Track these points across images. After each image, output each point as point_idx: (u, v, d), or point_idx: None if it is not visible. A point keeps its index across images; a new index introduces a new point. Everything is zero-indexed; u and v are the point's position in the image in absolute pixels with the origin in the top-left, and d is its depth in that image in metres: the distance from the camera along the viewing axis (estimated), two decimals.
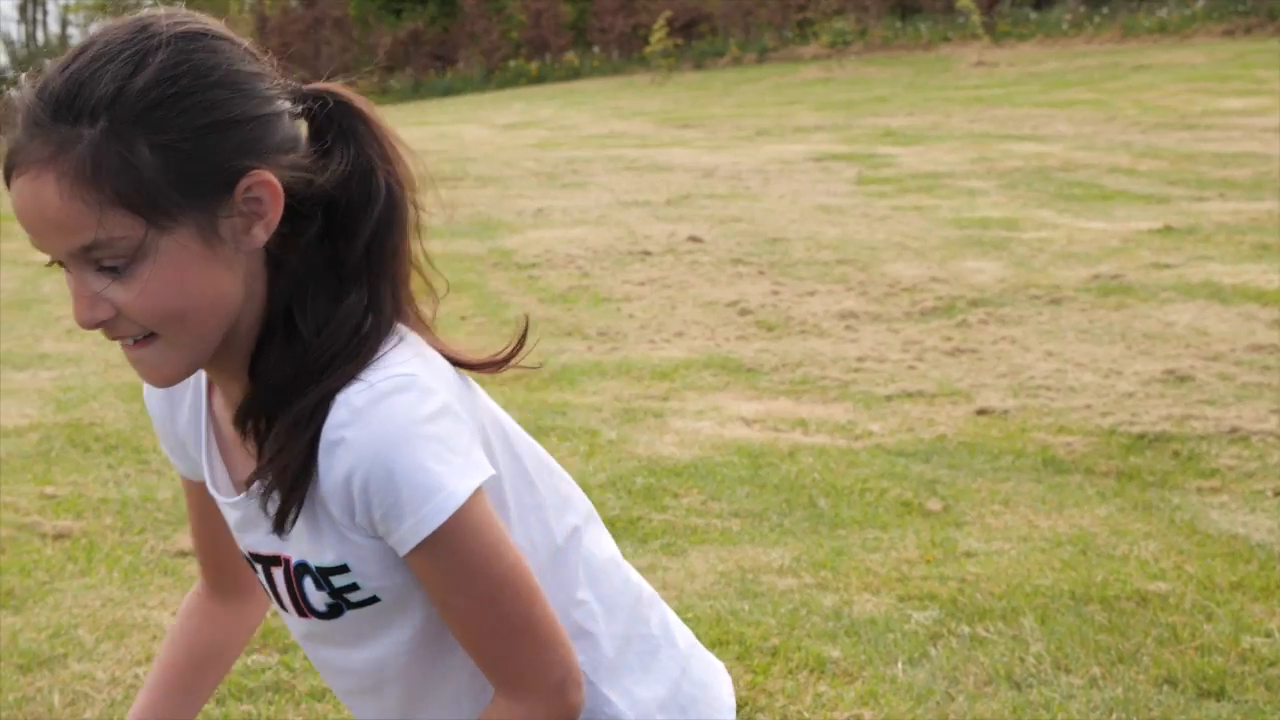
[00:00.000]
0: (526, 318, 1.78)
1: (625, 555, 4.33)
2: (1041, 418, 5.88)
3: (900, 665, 3.60)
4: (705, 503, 4.98)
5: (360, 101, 1.64)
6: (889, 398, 6.37)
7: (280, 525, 1.58)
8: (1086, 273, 8.72)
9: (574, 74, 31.95)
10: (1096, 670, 3.56)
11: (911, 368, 6.91)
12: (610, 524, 4.69)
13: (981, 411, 6.04)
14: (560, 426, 5.92)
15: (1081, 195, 11.42)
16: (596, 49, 33.51)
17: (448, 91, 32.19)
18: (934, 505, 4.87)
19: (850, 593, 4.10)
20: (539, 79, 32.06)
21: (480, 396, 1.69)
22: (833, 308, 8.36)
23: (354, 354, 1.56)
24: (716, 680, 1.88)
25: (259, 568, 1.70)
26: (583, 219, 11.54)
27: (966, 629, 3.81)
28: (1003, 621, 3.86)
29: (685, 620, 3.84)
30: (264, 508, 1.59)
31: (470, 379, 1.70)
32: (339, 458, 1.51)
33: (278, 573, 1.66)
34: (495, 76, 32.77)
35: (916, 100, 20.23)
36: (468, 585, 1.55)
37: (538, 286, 9.25)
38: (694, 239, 10.40)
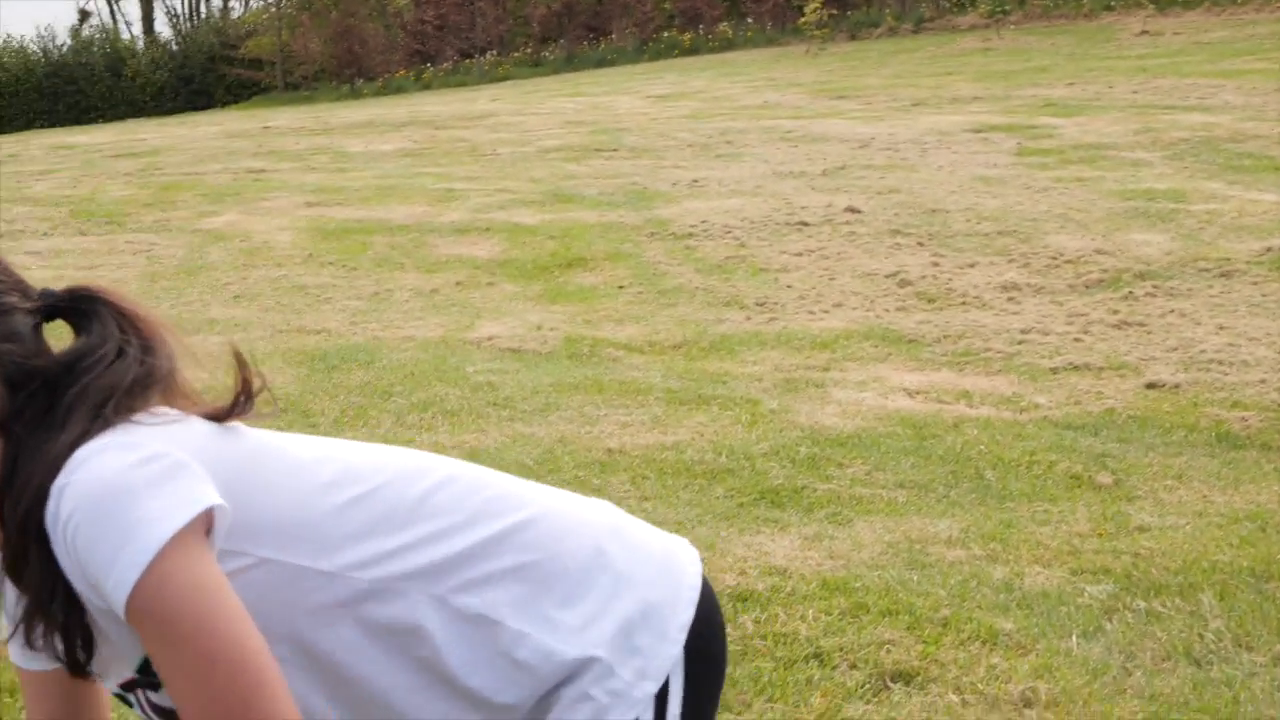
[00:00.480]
0: (238, 352, 1.80)
1: (789, 524, 4.32)
2: (1214, 392, 5.76)
3: (1075, 639, 3.54)
4: (870, 473, 4.95)
5: (107, 293, 1.69)
6: (1055, 370, 6.28)
7: (70, 655, 1.57)
8: (1258, 245, 8.51)
9: (727, 45, 31.83)
10: (1279, 648, 3.48)
11: (1077, 340, 6.80)
12: (774, 493, 4.70)
13: (1151, 385, 5.93)
14: (721, 396, 5.90)
15: (1251, 166, 11.13)
16: (750, 20, 33.35)
17: (600, 63, 32.27)
18: (1104, 479, 4.79)
19: (1021, 565, 4.05)
20: (692, 50, 31.98)
21: (246, 439, 1.71)
22: (994, 279, 8.25)
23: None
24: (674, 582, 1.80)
25: (133, 698, 1.68)
26: (738, 190, 11.49)
27: (1142, 604, 3.74)
28: (1180, 597, 3.78)
29: (853, 590, 3.83)
30: (48, 644, 1.56)
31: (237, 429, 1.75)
32: (58, 531, 1.49)
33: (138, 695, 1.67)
34: (648, 48, 32.76)
35: (1078, 70, 19.84)
36: (176, 655, 1.48)
37: (694, 257, 9.24)
38: (851, 210, 10.32)
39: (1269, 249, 8.38)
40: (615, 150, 14.29)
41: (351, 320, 7.72)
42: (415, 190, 12.13)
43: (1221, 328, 6.84)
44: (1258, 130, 12.80)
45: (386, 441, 5.20)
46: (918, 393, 6.03)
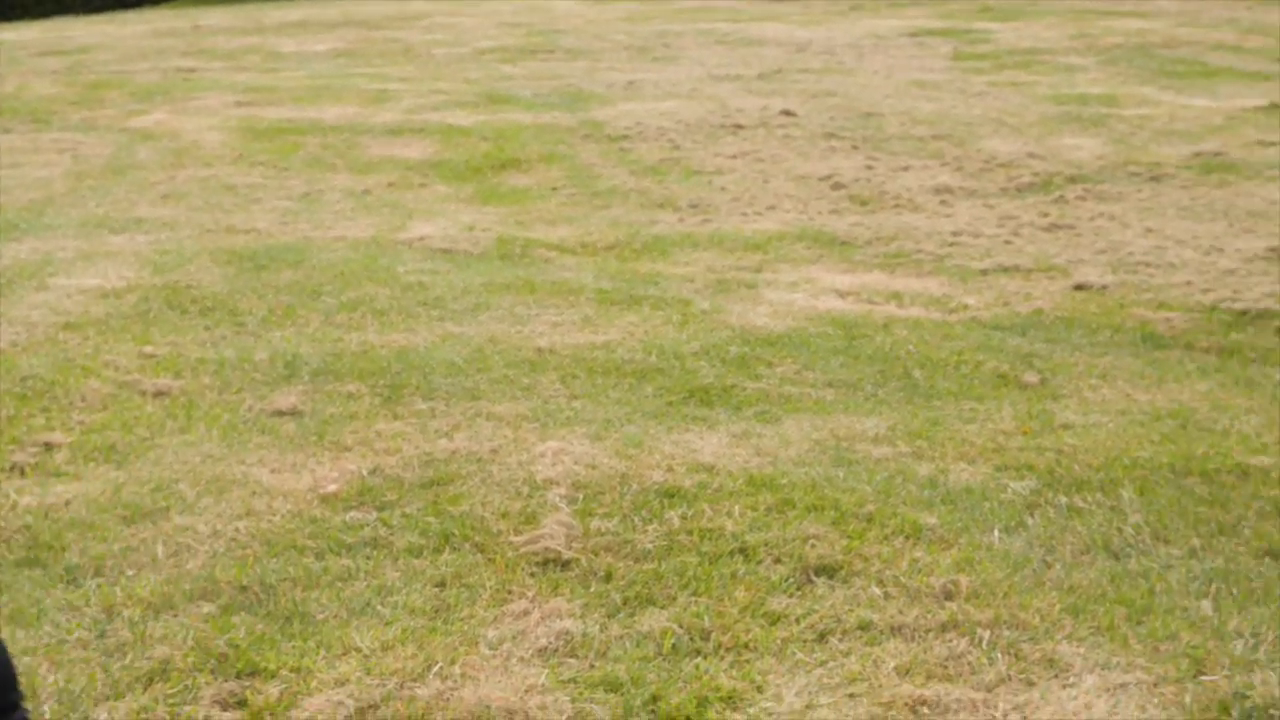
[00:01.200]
0: None
1: (717, 422, 4.34)
2: (1140, 294, 5.80)
3: (996, 533, 3.58)
4: (799, 372, 4.96)
5: None
6: (984, 272, 6.31)
7: None
8: (1188, 150, 8.57)
9: None
10: (1196, 541, 3.52)
11: (1007, 243, 6.83)
12: (703, 392, 4.72)
13: (1079, 287, 5.97)
14: (653, 296, 5.89)
15: (1184, 72, 11.19)
16: None
17: None
18: (1030, 378, 4.83)
19: (946, 462, 4.08)
20: None
21: None
22: (927, 183, 8.27)
23: None
24: None
25: None
26: (674, 92, 11.43)
27: (1064, 499, 3.78)
28: (1100, 492, 3.82)
29: (779, 486, 3.86)
30: None
31: None
32: None
33: None
34: None
35: None
36: None
37: (629, 159, 9.19)
38: (787, 113, 10.30)
39: (1198, 153, 8.43)
40: (551, 52, 14.17)
41: (281, 220, 7.64)
42: (348, 91, 11.99)
43: (1149, 230, 6.88)
44: (1191, 36, 12.84)
45: (314, 340, 5.19)
46: (848, 294, 6.05)
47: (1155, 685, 2.93)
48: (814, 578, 3.39)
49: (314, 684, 2.94)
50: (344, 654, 3.07)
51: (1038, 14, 15.14)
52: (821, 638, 3.11)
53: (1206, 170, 8.06)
